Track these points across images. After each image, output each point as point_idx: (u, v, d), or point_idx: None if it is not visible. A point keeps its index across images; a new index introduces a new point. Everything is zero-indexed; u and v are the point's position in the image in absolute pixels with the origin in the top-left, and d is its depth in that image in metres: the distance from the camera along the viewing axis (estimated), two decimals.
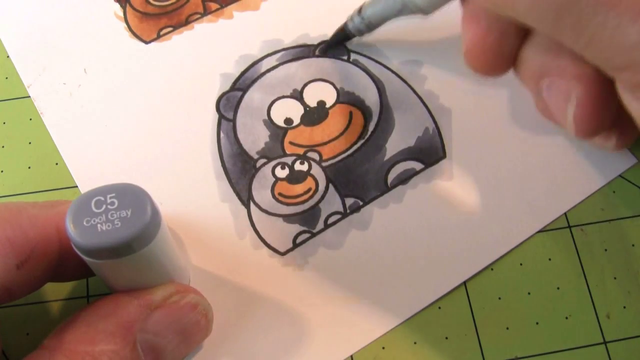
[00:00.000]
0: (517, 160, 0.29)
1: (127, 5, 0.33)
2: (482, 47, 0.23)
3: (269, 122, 0.30)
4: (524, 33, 0.23)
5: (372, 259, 0.27)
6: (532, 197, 0.28)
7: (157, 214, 0.21)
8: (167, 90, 0.30)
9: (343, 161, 0.29)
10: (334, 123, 0.30)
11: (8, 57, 0.31)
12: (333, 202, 0.28)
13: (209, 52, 0.31)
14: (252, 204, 0.28)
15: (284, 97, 0.30)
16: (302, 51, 0.31)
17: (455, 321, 0.27)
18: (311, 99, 0.30)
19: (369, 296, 0.27)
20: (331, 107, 0.30)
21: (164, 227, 0.22)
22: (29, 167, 0.29)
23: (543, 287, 0.27)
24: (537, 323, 0.27)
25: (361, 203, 0.28)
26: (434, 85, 0.31)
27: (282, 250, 0.27)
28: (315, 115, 0.30)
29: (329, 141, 0.29)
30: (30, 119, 0.30)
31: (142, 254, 0.21)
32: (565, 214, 0.28)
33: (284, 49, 0.31)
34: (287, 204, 0.28)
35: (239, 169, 0.29)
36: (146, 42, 0.32)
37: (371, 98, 0.30)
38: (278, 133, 0.30)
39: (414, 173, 0.29)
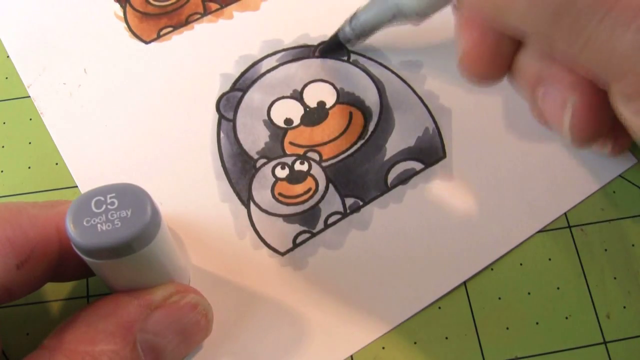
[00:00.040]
0: (517, 160, 0.29)
1: (127, 5, 0.33)
2: (476, 55, 0.23)
3: (269, 123, 0.30)
4: (518, 40, 0.23)
5: (372, 259, 0.27)
6: (532, 197, 0.28)
7: (157, 214, 0.21)
8: (167, 90, 0.30)
9: (343, 161, 0.29)
10: (334, 123, 0.30)
11: (8, 57, 0.31)
12: (333, 202, 0.28)
13: (209, 52, 0.31)
14: (252, 204, 0.28)
15: (284, 97, 0.30)
16: (302, 52, 0.31)
17: (455, 321, 0.27)
18: (311, 99, 0.30)
19: (369, 296, 0.27)
20: (331, 107, 0.30)
21: (164, 227, 0.22)
22: (29, 167, 0.29)
23: (543, 287, 0.27)
24: (537, 323, 0.27)
25: (361, 203, 0.28)
26: (434, 85, 0.31)
27: (282, 250, 0.27)
28: (315, 115, 0.30)
29: (329, 141, 0.29)
30: (30, 119, 0.30)
31: (142, 254, 0.21)
32: (565, 214, 0.28)
33: (284, 50, 0.31)
34: (287, 204, 0.28)
35: (239, 169, 0.29)
36: (146, 42, 0.32)
37: (371, 98, 0.30)
38: (278, 133, 0.30)
39: (414, 173, 0.29)
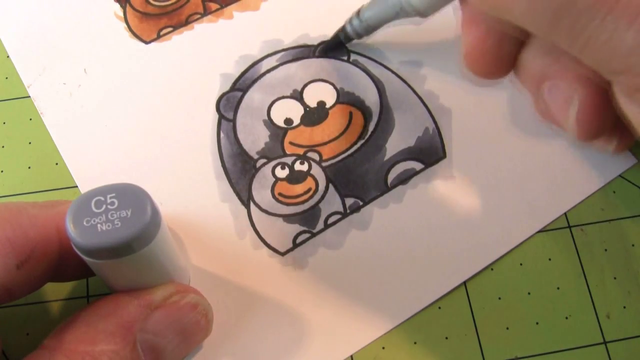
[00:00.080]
0: (517, 160, 0.29)
1: (127, 5, 0.33)
2: (481, 50, 0.23)
3: (269, 122, 0.30)
4: (524, 36, 0.23)
5: (372, 259, 0.27)
6: (532, 197, 0.28)
7: (157, 214, 0.21)
8: (167, 90, 0.30)
9: (343, 161, 0.29)
10: (334, 123, 0.30)
11: (8, 57, 0.31)
12: (333, 202, 0.28)
13: (209, 52, 0.31)
14: (252, 204, 0.28)
15: (284, 97, 0.30)
16: (302, 51, 0.31)
17: (455, 321, 0.27)
18: (311, 99, 0.30)
19: (369, 296, 0.27)
20: (331, 107, 0.30)
21: (164, 227, 0.22)
22: (29, 167, 0.29)
23: (543, 287, 0.27)
24: (537, 323, 0.27)
25: (361, 203, 0.28)
26: (434, 85, 0.31)
27: (282, 250, 0.27)
28: (315, 115, 0.30)
29: (329, 141, 0.29)
30: (30, 119, 0.30)
31: (142, 254, 0.21)
32: (565, 214, 0.28)
33: (284, 50, 0.31)
34: (287, 204, 0.28)
35: (239, 169, 0.29)
36: (146, 42, 0.32)
37: (371, 98, 0.30)
38: (278, 133, 0.30)
39: (414, 173, 0.29)
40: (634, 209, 0.28)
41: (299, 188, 0.29)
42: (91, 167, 0.29)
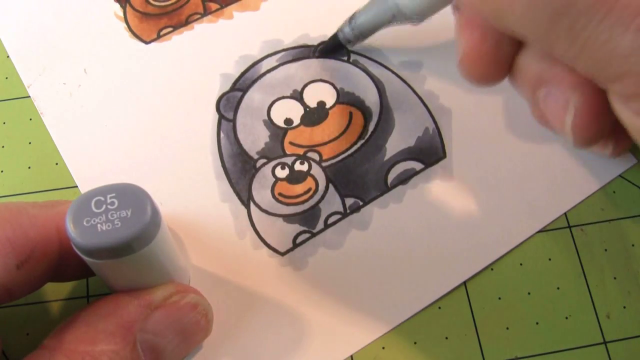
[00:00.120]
0: (517, 160, 0.29)
1: (127, 5, 0.33)
2: (477, 55, 0.23)
3: (269, 123, 0.30)
4: (519, 41, 0.23)
5: (372, 259, 0.27)
6: (532, 197, 0.28)
7: (157, 214, 0.21)
8: (167, 90, 0.30)
9: (343, 161, 0.29)
10: (334, 123, 0.30)
11: (8, 57, 0.31)
12: (333, 202, 0.28)
13: (209, 52, 0.31)
14: (252, 204, 0.28)
15: (284, 97, 0.30)
16: (302, 52, 0.31)
17: (455, 321, 0.27)
18: (311, 99, 0.30)
19: (369, 296, 0.27)
20: (331, 107, 0.30)
21: (164, 227, 0.22)
22: (29, 167, 0.29)
23: (543, 287, 0.27)
24: (537, 323, 0.27)
25: (361, 203, 0.28)
26: (434, 85, 0.31)
27: (282, 250, 0.27)
28: (315, 115, 0.30)
29: (329, 141, 0.29)
30: (30, 119, 0.30)
31: (142, 254, 0.21)
32: (565, 214, 0.28)
33: (284, 50, 0.31)
34: (287, 204, 0.28)
35: (239, 169, 0.29)
36: (146, 42, 0.32)
37: (371, 98, 0.30)
38: (278, 133, 0.30)
39: (414, 173, 0.29)
40: (634, 209, 0.28)
41: (299, 188, 0.29)
42: (91, 167, 0.29)
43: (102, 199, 0.21)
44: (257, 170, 0.29)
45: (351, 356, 0.26)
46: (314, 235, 0.28)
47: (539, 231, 0.28)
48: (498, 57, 0.23)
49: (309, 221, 0.28)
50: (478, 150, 0.29)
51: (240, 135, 0.30)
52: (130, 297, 0.23)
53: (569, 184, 0.29)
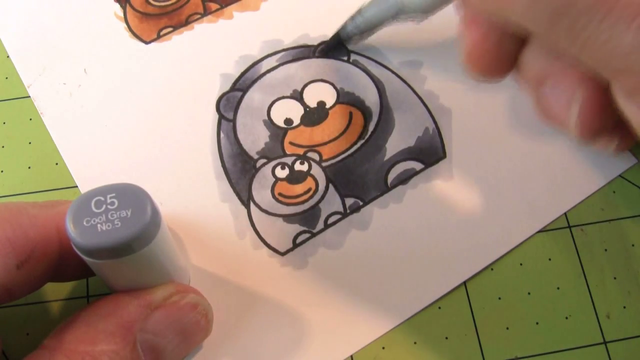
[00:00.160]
0: (517, 160, 0.29)
1: (127, 5, 0.33)
2: (482, 50, 0.23)
3: (269, 123, 0.30)
4: (524, 36, 0.23)
5: (372, 259, 0.27)
6: (532, 197, 0.28)
7: (157, 214, 0.21)
8: (167, 90, 0.30)
9: (343, 161, 0.29)
10: (334, 123, 0.30)
11: (8, 57, 0.31)
12: (333, 202, 0.28)
13: (209, 52, 0.31)
14: (252, 204, 0.28)
15: (284, 97, 0.30)
16: (302, 52, 0.31)
17: (455, 321, 0.27)
18: (311, 99, 0.30)
19: (369, 296, 0.27)
20: (331, 107, 0.30)
21: (164, 227, 0.22)
22: (29, 167, 0.29)
23: (543, 287, 0.27)
24: (537, 323, 0.27)
25: (361, 203, 0.28)
26: (434, 85, 0.31)
27: (282, 250, 0.27)
28: (315, 115, 0.30)
29: (329, 141, 0.29)
30: (30, 119, 0.30)
31: (142, 254, 0.21)
32: (565, 214, 0.28)
33: (284, 50, 0.31)
34: (287, 204, 0.28)
35: (239, 169, 0.29)
36: (146, 42, 0.32)
37: (371, 98, 0.30)
38: (278, 133, 0.30)
39: (414, 173, 0.29)
40: (634, 209, 0.28)
41: (299, 188, 0.29)
42: (91, 167, 0.29)
43: (102, 199, 0.21)
44: (257, 170, 0.29)
45: (351, 356, 0.26)
46: (314, 235, 0.28)
47: (539, 231, 0.28)
48: (502, 53, 0.23)
49: (309, 221, 0.28)
50: (478, 150, 0.29)
51: (240, 135, 0.30)
52: (130, 297, 0.23)
53: (569, 184, 0.29)
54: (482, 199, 0.28)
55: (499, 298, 0.27)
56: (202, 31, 0.32)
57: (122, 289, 0.23)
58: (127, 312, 0.22)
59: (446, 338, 0.26)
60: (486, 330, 0.26)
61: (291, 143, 0.29)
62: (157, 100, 0.30)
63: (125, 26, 0.32)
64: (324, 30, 0.31)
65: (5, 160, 0.29)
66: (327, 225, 0.28)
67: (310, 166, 0.29)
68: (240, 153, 0.29)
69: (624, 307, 0.27)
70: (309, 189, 0.29)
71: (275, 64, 0.31)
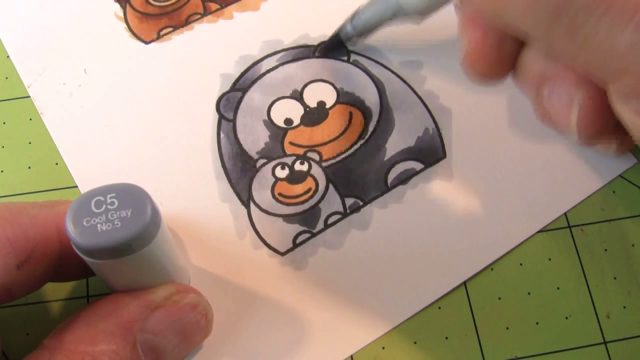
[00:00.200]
0: (517, 160, 0.29)
1: (127, 5, 0.33)
2: (480, 53, 0.23)
3: (269, 123, 0.30)
4: (523, 36, 0.23)
5: (372, 259, 0.27)
6: (532, 197, 0.28)
7: (157, 214, 0.21)
8: (167, 90, 0.30)
9: (343, 161, 0.29)
10: (334, 123, 0.30)
11: (8, 57, 0.31)
12: (333, 202, 0.28)
13: (209, 52, 0.31)
14: (252, 204, 0.28)
15: (284, 97, 0.30)
16: (302, 52, 0.31)
17: (455, 321, 0.27)
18: (311, 99, 0.30)
19: (369, 296, 0.27)
20: (331, 107, 0.30)
21: (164, 227, 0.22)
22: (29, 167, 0.29)
23: (543, 287, 0.27)
24: (537, 323, 0.27)
25: (361, 203, 0.28)
26: (434, 85, 0.31)
27: (282, 250, 0.27)
28: (315, 115, 0.30)
29: (329, 141, 0.29)
30: (30, 119, 0.30)
31: (142, 254, 0.21)
32: (565, 214, 0.28)
33: (284, 50, 0.31)
34: (287, 204, 0.28)
35: (239, 169, 0.29)
36: (146, 43, 0.32)
37: (371, 98, 0.30)
38: (278, 133, 0.30)
39: (414, 173, 0.29)
40: (634, 209, 0.28)
41: (299, 188, 0.29)
42: (91, 167, 0.29)
43: (102, 199, 0.21)
44: (257, 170, 0.29)
45: (351, 356, 0.26)
46: (314, 235, 0.28)
47: (539, 231, 0.28)
48: (501, 55, 0.23)
49: (309, 221, 0.28)
50: (478, 150, 0.29)
51: (240, 135, 0.30)
52: (130, 297, 0.23)
53: (569, 184, 0.29)
54: (482, 199, 0.28)
55: (499, 298, 0.27)
56: (202, 31, 0.32)
57: (122, 289, 0.23)
58: (127, 312, 0.22)
59: (446, 338, 0.26)
60: (486, 330, 0.26)
61: (291, 143, 0.29)
62: (157, 100, 0.30)
63: (125, 26, 0.32)
64: (324, 30, 0.31)
65: (5, 160, 0.29)
66: (327, 225, 0.28)
67: (310, 166, 0.29)
68: (240, 153, 0.29)
69: (624, 307, 0.27)
70: (309, 189, 0.29)
71: (275, 64, 0.31)
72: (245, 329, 0.26)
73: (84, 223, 0.20)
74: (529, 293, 0.27)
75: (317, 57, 0.31)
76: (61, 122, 0.30)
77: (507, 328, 0.26)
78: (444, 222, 0.28)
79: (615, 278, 0.27)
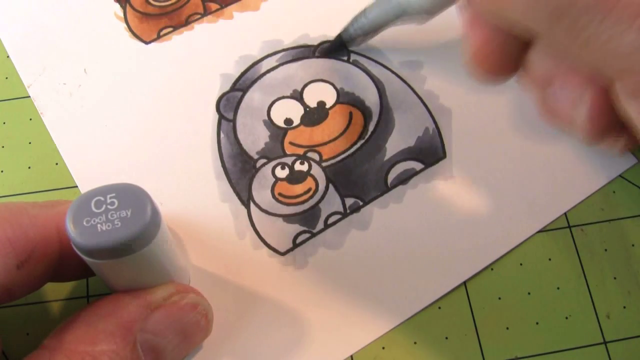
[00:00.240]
0: (517, 160, 0.29)
1: (127, 5, 0.33)
2: (487, 51, 0.23)
3: (269, 123, 0.30)
4: (530, 35, 0.23)
5: (372, 259, 0.27)
6: (532, 197, 0.28)
7: (157, 214, 0.21)
8: (167, 90, 0.30)
9: (343, 161, 0.29)
10: (334, 123, 0.30)
11: (8, 57, 0.31)
12: (333, 202, 0.28)
13: (209, 52, 0.31)
14: (252, 204, 0.28)
15: (284, 97, 0.30)
16: (302, 52, 0.31)
17: (455, 321, 0.27)
18: (311, 99, 0.30)
19: (369, 296, 0.27)
20: (331, 107, 0.30)
21: (164, 227, 0.22)
22: (29, 167, 0.29)
23: (543, 287, 0.27)
24: (537, 323, 0.27)
25: (361, 203, 0.28)
26: (434, 85, 0.31)
27: (282, 250, 0.27)
28: (315, 115, 0.30)
29: (329, 141, 0.29)
30: (30, 119, 0.30)
31: (142, 254, 0.21)
32: (565, 214, 0.28)
33: (284, 50, 0.31)
34: (287, 204, 0.28)
35: (239, 169, 0.29)
36: (146, 43, 0.32)
37: (371, 98, 0.30)
38: (278, 133, 0.30)
39: (414, 173, 0.29)
40: (634, 209, 0.28)
41: (299, 188, 0.29)
42: (91, 167, 0.29)
43: (102, 199, 0.21)
44: (257, 170, 0.29)
45: (351, 356, 0.26)
46: (314, 235, 0.28)
47: (539, 231, 0.28)
48: (507, 55, 0.23)
49: (309, 221, 0.28)
50: (478, 150, 0.29)
51: (240, 135, 0.30)
52: (130, 297, 0.23)
53: (569, 184, 0.29)
54: (482, 199, 0.28)
55: (499, 298, 0.27)
56: (202, 31, 0.32)
57: (122, 289, 0.23)
58: (127, 312, 0.22)
59: (446, 338, 0.26)
60: (486, 330, 0.26)
61: (291, 143, 0.29)
62: (157, 100, 0.30)
63: (125, 26, 0.32)
64: (324, 30, 0.31)
65: (5, 160, 0.29)
66: (327, 225, 0.28)
67: (310, 166, 0.29)
68: (240, 153, 0.29)
69: (624, 307, 0.27)
70: (309, 189, 0.29)
71: (275, 64, 0.31)
72: (245, 329, 0.26)
73: (84, 223, 0.20)
74: (529, 293, 0.27)
75: (317, 57, 0.31)
76: (61, 122, 0.30)
77: (507, 328, 0.26)
78: (444, 222, 0.28)
79: (615, 278, 0.27)
